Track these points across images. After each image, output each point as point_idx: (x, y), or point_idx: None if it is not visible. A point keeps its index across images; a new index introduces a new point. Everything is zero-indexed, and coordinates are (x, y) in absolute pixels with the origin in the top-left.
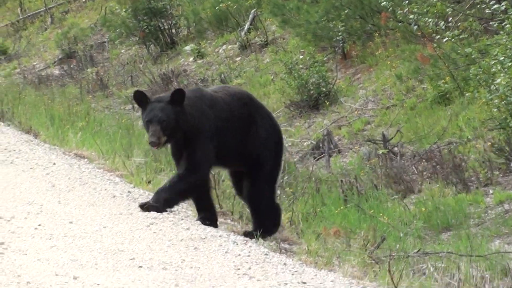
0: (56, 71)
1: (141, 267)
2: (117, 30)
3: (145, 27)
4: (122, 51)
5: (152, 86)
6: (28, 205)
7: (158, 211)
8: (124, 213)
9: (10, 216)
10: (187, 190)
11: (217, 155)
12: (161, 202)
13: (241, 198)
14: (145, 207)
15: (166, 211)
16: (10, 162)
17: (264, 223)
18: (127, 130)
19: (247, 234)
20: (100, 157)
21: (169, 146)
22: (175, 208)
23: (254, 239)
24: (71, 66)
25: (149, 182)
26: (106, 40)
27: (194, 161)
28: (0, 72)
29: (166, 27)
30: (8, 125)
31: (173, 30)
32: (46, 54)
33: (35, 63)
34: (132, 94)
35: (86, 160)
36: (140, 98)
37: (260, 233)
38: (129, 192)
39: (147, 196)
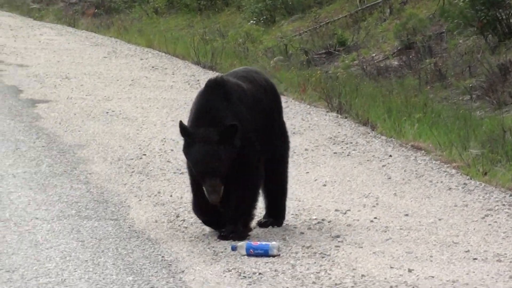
0: (394, 62)
1: (475, 259)
2: (455, 20)
3: (483, 17)
4: (460, 41)
5: (490, 77)
6: (364, 198)
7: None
8: (459, 205)
9: (346, 209)
10: (255, 203)
11: None
12: (242, 230)
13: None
14: (228, 237)
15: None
16: (347, 155)
17: (281, 208)
18: (465, 120)
19: (263, 225)
20: (437, 149)
21: None
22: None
23: None
24: (410, 57)
25: (485, 173)
26: (444, 30)
27: (250, 172)
28: (339, 64)
29: (504, 17)
30: (346, 118)
31: (511, 20)
32: (385, 45)
33: (373, 55)
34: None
35: (422, 152)
36: (182, 131)
37: (279, 222)
38: (464, 184)
39: (483, 187)
